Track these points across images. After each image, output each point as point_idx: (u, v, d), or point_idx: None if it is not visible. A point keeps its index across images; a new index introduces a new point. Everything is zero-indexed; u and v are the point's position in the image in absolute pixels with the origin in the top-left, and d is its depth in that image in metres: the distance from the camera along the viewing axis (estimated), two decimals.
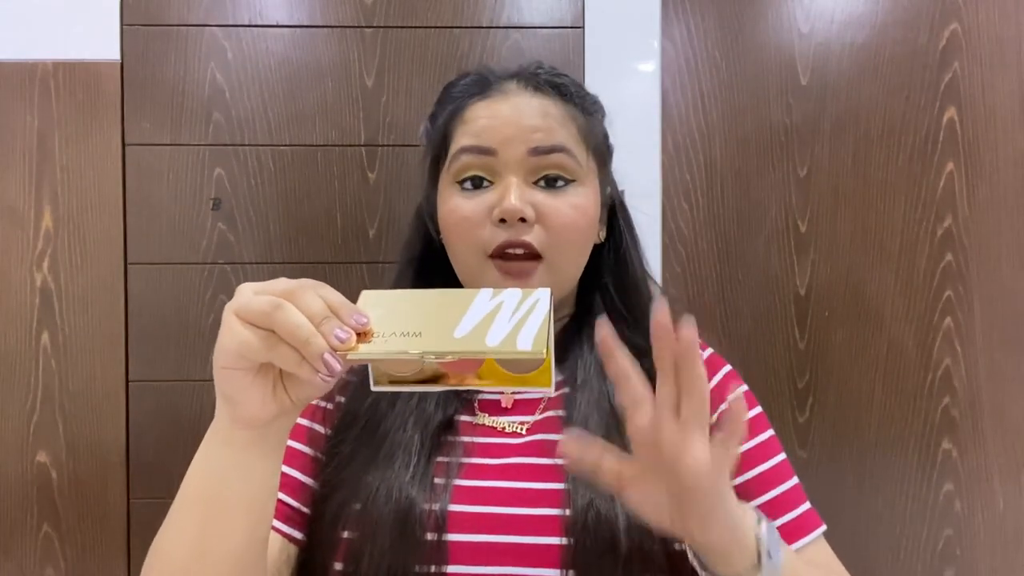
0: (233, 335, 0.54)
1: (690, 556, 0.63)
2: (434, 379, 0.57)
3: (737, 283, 1.26)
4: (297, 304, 0.53)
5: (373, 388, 0.58)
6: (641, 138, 1.24)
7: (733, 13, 1.25)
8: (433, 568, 0.69)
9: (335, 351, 0.52)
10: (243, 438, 0.59)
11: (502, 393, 0.82)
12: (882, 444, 1.26)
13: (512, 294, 0.56)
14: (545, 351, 0.52)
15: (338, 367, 0.52)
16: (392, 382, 0.57)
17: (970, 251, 1.25)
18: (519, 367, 0.55)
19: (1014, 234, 1.25)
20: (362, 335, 0.54)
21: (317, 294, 0.54)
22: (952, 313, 1.25)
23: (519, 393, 0.81)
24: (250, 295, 0.55)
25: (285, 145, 1.22)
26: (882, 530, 1.26)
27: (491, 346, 0.53)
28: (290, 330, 0.52)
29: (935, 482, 1.26)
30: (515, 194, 0.77)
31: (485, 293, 0.57)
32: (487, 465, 0.76)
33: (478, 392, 0.82)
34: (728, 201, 1.25)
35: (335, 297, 0.55)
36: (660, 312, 0.55)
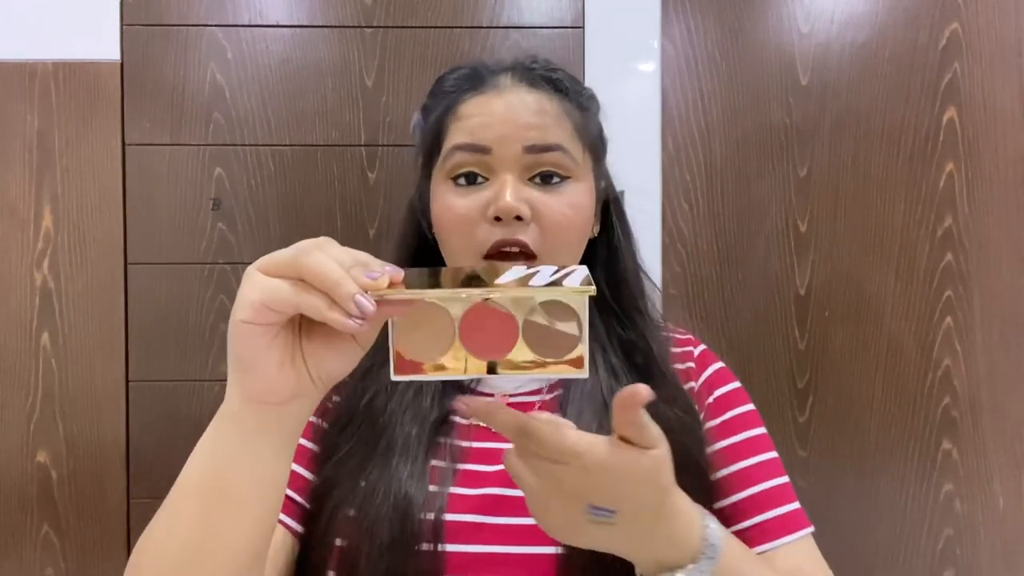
0: (256, 285, 0.51)
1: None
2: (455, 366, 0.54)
3: (737, 283, 1.26)
4: (325, 253, 0.51)
5: (393, 377, 0.54)
6: (641, 138, 1.24)
7: (733, 13, 1.25)
8: None
9: (366, 292, 0.49)
10: (255, 421, 0.55)
11: (494, 395, 0.81)
12: (882, 444, 1.26)
13: (547, 267, 0.56)
14: (593, 292, 0.51)
15: (371, 308, 0.49)
16: (413, 371, 0.54)
17: (970, 251, 1.25)
18: (551, 349, 0.53)
19: (1014, 234, 1.25)
20: (393, 286, 0.51)
21: (343, 248, 0.53)
22: (952, 313, 1.25)
23: (514, 394, 0.81)
24: (272, 253, 0.53)
25: (285, 145, 1.22)
26: (882, 530, 1.26)
27: (536, 286, 0.51)
28: (319, 272, 0.50)
29: (935, 482, 1.26)
30: (510, 192, 0.75)
31: (519, 267, 0.56)
32: (482, 472, 0.75)
33: (473, 394, 0.81)
34: (728, 201, 1.25)
35: (362, 254, 0.53)
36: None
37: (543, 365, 0.54)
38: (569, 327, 0.53)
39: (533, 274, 0.54)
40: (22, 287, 1.20)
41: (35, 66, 1.20)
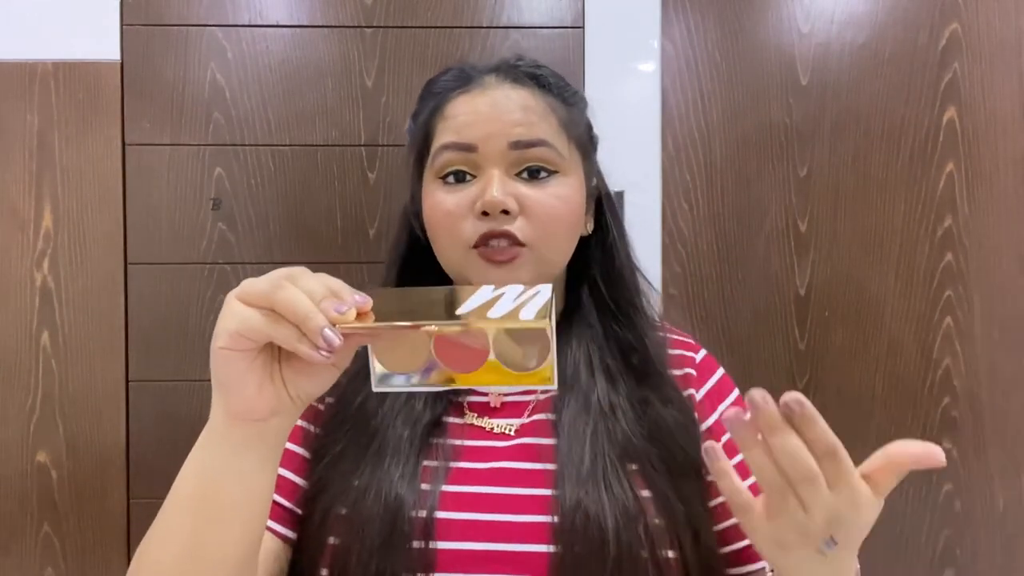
0: (234, 315, 0.55)
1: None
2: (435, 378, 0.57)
3: (737, 283, 1.26)
4: (297, 285, 0.54)
5: (374, 388, 0.58)
6: (641, 138, 1.24)
7: (733, 13, 1.25)
8: (419, 575, 0.69)
9: (334, 325, 0.53)
10: (239, 436, 0.58)
11: (488, 393, 0.81)
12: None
13: (514, 288, 0.58)
14: (547, 324, 0.54)
15: (337, 341, 0.53)
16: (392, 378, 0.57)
17: (970, 251, 1.25)
18: (521, 364, 0.56)
19: (1014, 234, 1.25)
20: (362, 315, 0.54)
21: (317, 278, 0.56)
22: (952, 313, 1.25)
23: (508, 394, 0.81)
24: (251, 281, 0.56)
25: (285, 145, 1.22)
26: (882, 530, 1.26)
27: (493, 318, 0.54)
28: (290, 306, 0.53)
29: (935, 482, 1.26)
30: (497, 187, 0.76)
31: (487, 288, 0.58)
32: (475, 470, 0.75)
33: (468, 393, 0.81)
34: (728, 201, 1.25)
35: (335, 282, 0.56)
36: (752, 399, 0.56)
37: (515, 377, 0.56)
38: (534, 349, 0.56)
39: (498, 297, 0.56)
40: (22, 287, 1.20)
41: (35, 66, 1.20)
